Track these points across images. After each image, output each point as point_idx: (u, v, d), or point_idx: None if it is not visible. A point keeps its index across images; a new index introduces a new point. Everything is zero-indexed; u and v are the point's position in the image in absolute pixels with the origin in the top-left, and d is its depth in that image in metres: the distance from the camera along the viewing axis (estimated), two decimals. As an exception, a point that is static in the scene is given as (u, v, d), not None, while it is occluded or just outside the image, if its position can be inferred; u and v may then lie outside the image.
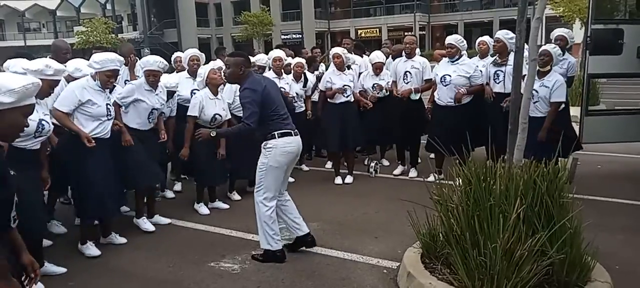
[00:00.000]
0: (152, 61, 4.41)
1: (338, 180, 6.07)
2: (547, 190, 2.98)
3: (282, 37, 42.60)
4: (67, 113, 3.72)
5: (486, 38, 6.33)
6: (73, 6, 49.08)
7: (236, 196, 5.45)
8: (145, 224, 4.47)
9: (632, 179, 5.81)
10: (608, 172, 6.14)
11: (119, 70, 4.04)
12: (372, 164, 6.29)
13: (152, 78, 4.41)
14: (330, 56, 6.51)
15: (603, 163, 6.48)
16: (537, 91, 4.78)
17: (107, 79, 3.82)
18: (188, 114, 4.76)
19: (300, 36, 38.37)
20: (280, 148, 3.66)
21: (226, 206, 5.17)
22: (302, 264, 3.74)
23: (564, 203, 3.00)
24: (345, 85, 5.85)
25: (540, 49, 4.94)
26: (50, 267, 3.59)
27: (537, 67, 4.83)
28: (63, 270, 3.63)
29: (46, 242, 4.12)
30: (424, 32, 43.64)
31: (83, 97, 3.74)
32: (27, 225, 3.23)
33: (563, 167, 3.15)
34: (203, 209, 4.97)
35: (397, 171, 6.26)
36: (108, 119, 3.89)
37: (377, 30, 43.57)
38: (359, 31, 44.14)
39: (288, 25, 42.58)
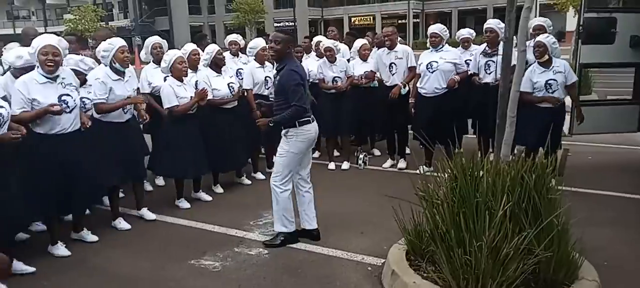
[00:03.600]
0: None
1: (332, 166, 6.19)
2: (534, 185, 2.89)
3: (275, 24, 42.22)
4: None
5: (466, 31, 6.32)
6: (63, -7, 48.48)
7: (219, 189, 5.34)
8: (121, 224, 4.33)
9: (622, 170, 5.74)
10: (598, 164, 6.07)
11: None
12: (361, 156, 6.19)
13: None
14: (313, 44, 6.42)
15: (594, 154, 6.41)
16: (555, 80, 4.77)
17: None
18: (166, 106, 4.61)
19: (293, 24, 38.08)
20: (301, 135, 3.75)
21: (209, 198, 5.06)
22: (284, 261, 3.64)
23: (551, 199, 2.91)
24: (335, 77, 5.90)
25: (534, 41, 4.84)
26: (19, 266, 3.45)
27: (536, 60, 4.80)
28: (31, 269, 3.49)
29: (22, 236, 4.02)
30: (418, 20, 43.43)
31: (30, 94, 3.49)
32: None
33: (551, 161, 3.05)
34: (183, 203, 4.85)
35: (387, 164, 6.16)
36: (67, 112, 3.62)
37: (371, 18, 43.27)
38: (353, 19, 43.87)
39: (281, 13, 42.23)
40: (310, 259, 3.66)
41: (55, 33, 4.43)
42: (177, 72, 4.63)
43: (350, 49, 6.75)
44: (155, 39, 5.61)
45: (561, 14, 27.55)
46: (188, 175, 4.92)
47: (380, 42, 6.11)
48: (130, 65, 4.36)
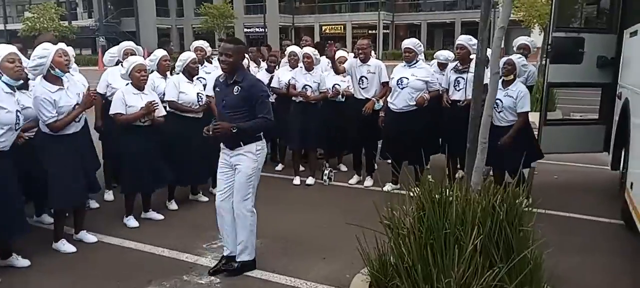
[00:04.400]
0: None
1: (296, 180, 5.96)
2: (506, 216, 2.70)
3: (245, 30, 41.77)
4: None
5: (443, 55, 6.18)
6: (24, -10, 46.60)
7: (173, 205, 4.99)
8: (64, 247, 3.91)
9: (588, 191, 5.69)
10: (565, 183, 6.01)
11: None
12: (326, 172, 5.95)
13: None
14: (287, 53, 6.17)
15: (560, 173, 6.36)
16: (501, 101, 4.61)
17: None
18: (111, 112, 4.28)
19: (264, 30, 37.71)
20: (263, 150, 3.60)
21: (160, 217, 4.69)
22: (237, 292, 3.34)
23: (524, 232, 2.72)
24: (306, 85, 5.69)
25: (504, 59, 4.72)
26: None
27: (502, 77, 4.67)
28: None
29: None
30: (388, 31, 43.79)
31: None
32: None
33: (523, 190, 2.87)
34: (131, 222, 4.47)
35: (353, 180, 5.93)
36: (16, 130, 3.32)
37: (342, 27, 43.40)
38: (324, 27, 43.88)
39: (251, 19, 41.81)
40: (267, 289, 3.37)
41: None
42: (135, 81, 4.29)
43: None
44: (128, 44, 5.26)
45: (527, 30, 28.24)
46: (140, 190, 4.55)
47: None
48: (70, 70, 4.00)
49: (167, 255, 3.90)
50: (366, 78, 5.56)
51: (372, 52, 6.03)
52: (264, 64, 6.81)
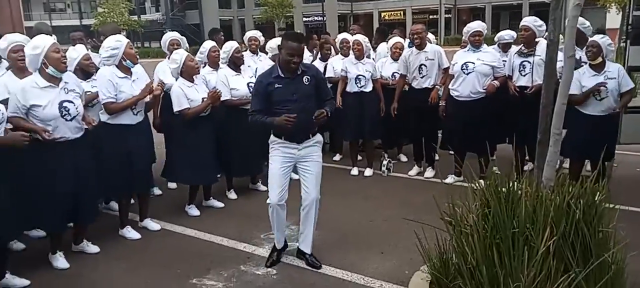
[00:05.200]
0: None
1: (354, 171, 5.87)
2: (583, 215, 2.46)
3: (304, 19, 41.96)
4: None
5: (507, 34, 5.78)
6: (97, -14, 49.36)
7: (233, 195, 5.05)
8: (129, 233, 4.07)
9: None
10: (648, 177, 5.50)
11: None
12: (385, 162, 5.80)
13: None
14: (339, 42, 6.06)
15: (643, 165, 5.84)
16: (605, 86, 4.25)
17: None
18: (175, 109, 4.31)
19: (322, 19, 37.67)
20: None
21: (221, 205, 4.78)
22: (294, 284, 3.30)
23: (604, 233, 2.47)
24: (358, 74, 5.51)
25: (589, 41, 4.36)
26: (11, 279, 3.23)
27: (588, 62, 4.33)
28: (25, 282, 3.27)
29: (19, 245, 3.81)
30: (450, 15, 42.37)
31: (26, 101, 3.25)
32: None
33: (603, 186, 2.61)
34: (193, 210, 4.58)
35: (413, 171, 5.75)
36: (68, 120, 3.37)
37: (402, 13, 42.43)
38: (383, 14, 43.13)
39: (310, 7, 41.86)
40: (323, 283, 3.31)
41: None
42: (190, 70, 4.35)
43: (373, 47, 6.36)
44: (173, 35, 5.36)
45: (603, 10, 26.28)
46: (201, 181, 4.64)
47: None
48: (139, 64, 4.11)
49: (225, 244, 3.94)
50: (425, 66, 5.33)
51: (432, 37, 5.78)
52: (316, 52, 6.74)
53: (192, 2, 44.02)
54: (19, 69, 3.66)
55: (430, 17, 39.61)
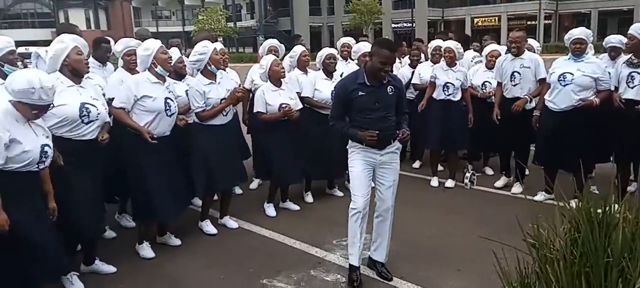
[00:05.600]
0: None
1: (434, 182, 5.66)
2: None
3: (393, 25, 41.59)
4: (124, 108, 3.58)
5: (616, 38, 5.21)
6: (198, -5, 52.76)
7: (309, 198, 5.09)
8: (207, 227, 4.25)
9: None
10: None
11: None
12: (468, 174, 5.51)
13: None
14: (431, 49, 5.90)
15: None
16: None
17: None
18: (254, 110, 4.50)
19: (412, 25, 37.10)
20: None
21: (296, 207, 4.83)
22: (364, 295, 3.23)
23: None
24: (448, 82, 5.34)
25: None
26: (100, 265, 3.50)
27: None
28: (113, 269, 3.53)
29: (110, 233, 4.11)
30: (550, 22, 39.67)
31: (138, 92, 3.56)
32: (82, 221, 3.20)
33: None
34: (270, 210, 4.69)
35: (499, 183, 5.42)
36: (169, 116, 3.67)
37: (496, 18, 40.46)
38: (476, 20, 41.44)
39: (399, 14, 41.41)
40: (395, 297, 3.21)
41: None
42: (275, 75, 4.46)
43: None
44: (272, 42, 5.56)
45: None
46: (279, 182, 4.74)
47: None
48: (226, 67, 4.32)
49: (298, 247, 3.97)
50: (519, 73, 4.98)
51: (536, 45, 5.41)
52: (406, 60, 6.60)
53: (284, 10, 45.51)
54: (130, 69, 4.17)
55: (528, 23, 37.33)
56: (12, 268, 2.55)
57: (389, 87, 3.28)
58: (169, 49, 5.12)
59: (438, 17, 42.35)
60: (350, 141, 3.37)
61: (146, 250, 3.78)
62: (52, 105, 2.81)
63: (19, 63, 3.54)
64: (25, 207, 2.61)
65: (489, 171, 6.04)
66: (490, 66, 5.54)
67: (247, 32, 45.75)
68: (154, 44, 3.70)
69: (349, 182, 5.30)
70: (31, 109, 2.59)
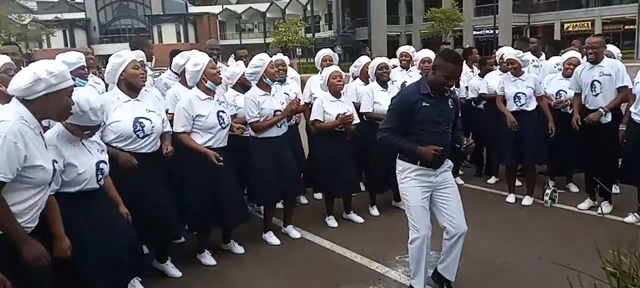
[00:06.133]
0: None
1: (510, 198, 5.32)
2: None
3: (474, 33, 40.14)
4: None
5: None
6: (279, 8, 54.38)
7: (375, 211, 4.98)
8: (270, 238, 4.29)
9: None
10: None
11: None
12: (549, 191, 5.10)
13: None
14: (497, 56, 5.61)
15: None
16: None
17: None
18: (310, 118, 4.53)
19: (494, 32, 35.54)
20: None
21: (360, 220, 4.74)
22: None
23: None
24: (518, 92, 5.00)
25: None
26: (169, 268, 3.64)
27: None
28: (178, 273, 3.65)
29: (179, 240, 4.27)
30: (652, 26, 36.19)
31: (193, 111, 3.60)
32: (160, 223, 3.34)
33: None
34: (331, 222, 4.67)
35: (584, 205, 4.95)
36: (223, 127, 3.71)
37: (589, 23, 37.60)
38: (566, 25, 38.82)
39: (481, 20, 39.87)
40: (455, 321, 3.02)
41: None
42: (333, 88, 4.45)
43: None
44: (325, 52, 5.60)
45: None
46: (331, 193, 4.69)
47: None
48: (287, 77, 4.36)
49: (359, 261, 3.89)
50: (598, 82, 4.56)
51: (616, 51, 4.95)
52: (476, 69, 6.31)
53: (362, 19, 45.62)
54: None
55: (625, 27, 34.37)
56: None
57: (449, 100, 3.13)
58: (236, 60, 5.30)
59: (524, 23, 40.21)
60: (400, 163, 3.16)
61: (207, 258, 3.88)
62: (104, 122, 2.91)
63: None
64: (97, 223, 2.68)
65: (574, 188, 5.57)
66: (567, 74, 5.15)
67: (325, 42, 46.36)
68: (203, 59, 3.68)
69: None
70: (82, 130, 2.64)
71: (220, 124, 3.68)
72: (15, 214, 2.05)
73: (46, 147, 2.21)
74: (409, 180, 3.10)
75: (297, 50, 40.13)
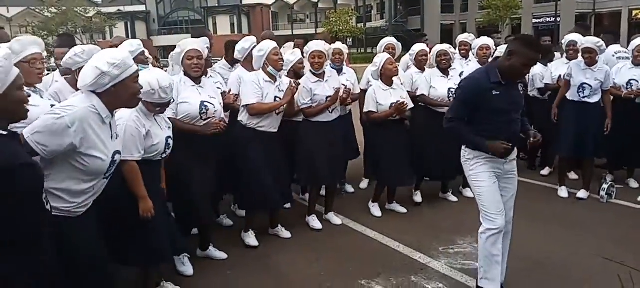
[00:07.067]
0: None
1: (563, 192, 5.12)
2: None
3: (533, 21, 38.33)
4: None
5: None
6: (331, -2, 54.32)
7: (418, 198, 4.94)
8: (314, 222, 4.35)
9: None
10: None
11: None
12: (605, 186, 4.86)
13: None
14: (565, 46, 5.36)
15: None
16: None
17: None
18: (364, 110, 4.49)
19: (555, 20, 33.78)
20: None
21: (404, 210, 4.71)
22: (465, 308, 3.03)
23: None
24: (584, 82, 4.80)
25: None
26: (213, 252, 3.78)
27: None
28: (224, 256, 3.78)
29: (227, 222, 4.42)
30: None
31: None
32: (197, 209, 3.49)
33: None
34: (375, 210, 4.66)
35: (643, 200, 4.70)
36: (276, 114, 3.85)
37: (661, 9, 35.00)
38: (634, 12, 36.26)
39: (541, 8, 37.96)
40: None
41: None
42: (387, 73, 4.43)
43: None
44: (389, 40, 5.47)
45: None
46: (387, 183, 4.66)
47: None
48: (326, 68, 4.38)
49: (401, 251, 3.87)
50: None
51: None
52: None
53: (415, 9, 44.72)
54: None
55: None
56: (138, 243, 2.80)
57: (520, 85, 3.04)
58: (294, 49, 5.36)
59: (588, 10, 37.94)
60: (468, 151, 3.03)
61: (250, 238, 3.99)
62: (173, 100, 3.09)
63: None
64: (151, 191, 2.86)
65: (634, 184, 5.29)
66: (638, 63, 4.83)
67: (376, 32, 45.84)
68: (267, 45, 3.88)
69: (464, 187, 5.06)
70: (154, 106, 2.87)
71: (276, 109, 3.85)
72: (68, 194, 2.16)
73: (113, 138, 2.29)
74: (479, 165, 2.99)
75: (348, 40, 39.93)
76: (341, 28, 38.76)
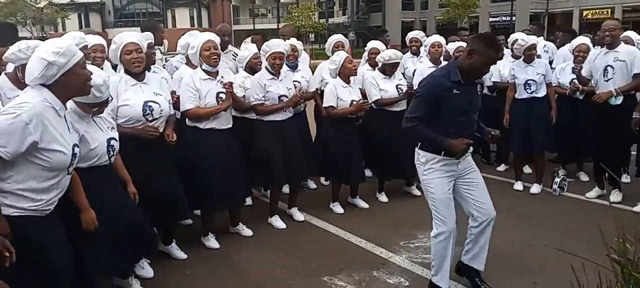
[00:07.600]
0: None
1: (518, 186, 5.28)
2: None
3: (490, 19, 39.49)
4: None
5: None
6: (293, -7, 54.08)
7: (383, 198, 4.97)
8: (276, 222, 4.31)
9: None
10: None
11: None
12: (557, 180, 5.04)
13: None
14: (510, 43, 5.53)
15: None
16: None
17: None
18: (324, 105, 4.46)
19: (510, 19, 34.91)
20: None
21: (365, 205, 4.74)
22: (425, 301, 3.07)
23: None
24: (529, 79, 4.95)
25: None
26: (174, 250, 3.68)
27: None
28: (183, 255, 3.69)
29: (186, 221, 4.30)
30: (676, 13, 35.23)
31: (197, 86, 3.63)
32: (168, 204, 3.35)
33: None
34: (337, 208, 4.66)
35: (592, 194, 4.90)
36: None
37: (609, 11, 36.68)
38: (585, 12, 37.98)
39: (498, 7, 39.15)
40: (461, 305, 3.01)
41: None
42: (347, 72, 4.42)
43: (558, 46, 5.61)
44: (337, 37, 5.46)
45: None
46: (343, 180, 4.66)
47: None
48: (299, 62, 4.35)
49: (363, 246, 3.89)
50: (611, 67, 4.46)
51: (635, 37, 4.84)
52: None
53: (376, 5, 45.15)
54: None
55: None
56: (83, 259, 2.52)
57: (478, 85, 3.07)
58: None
59: (542, 10, 39.40)
60: (422, 154, 3.00)
61: (211, 241, 3.90)
62: (111, 99, 2.90)
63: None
64: (98, 201, 2.62)
65: (584, 177, 5.50)
66: (578, 61, 5.05)
67: (338, 28, 45.95)
68: (197, 41, 3.66)
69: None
70: (90, 107, 2.63)
71: (218, 104, 3.70)
72: (32, 192, 2.07)
73: (70, 130, 2.21)
74: (433, 171, 2.97)
75: (310, 36, 39.88)
76: (303, 23, 38.65)
